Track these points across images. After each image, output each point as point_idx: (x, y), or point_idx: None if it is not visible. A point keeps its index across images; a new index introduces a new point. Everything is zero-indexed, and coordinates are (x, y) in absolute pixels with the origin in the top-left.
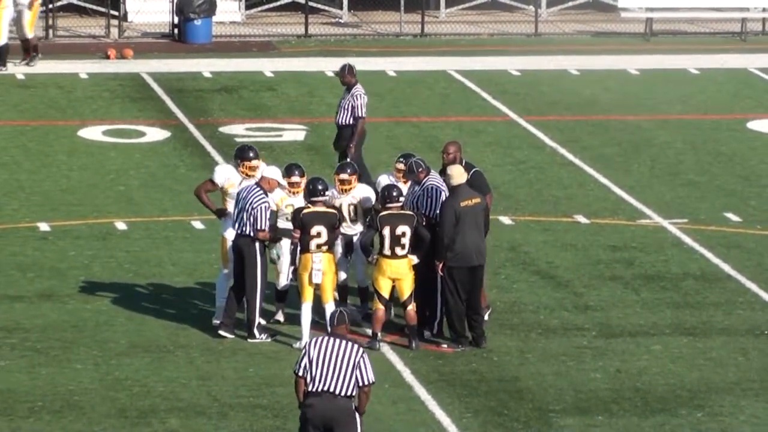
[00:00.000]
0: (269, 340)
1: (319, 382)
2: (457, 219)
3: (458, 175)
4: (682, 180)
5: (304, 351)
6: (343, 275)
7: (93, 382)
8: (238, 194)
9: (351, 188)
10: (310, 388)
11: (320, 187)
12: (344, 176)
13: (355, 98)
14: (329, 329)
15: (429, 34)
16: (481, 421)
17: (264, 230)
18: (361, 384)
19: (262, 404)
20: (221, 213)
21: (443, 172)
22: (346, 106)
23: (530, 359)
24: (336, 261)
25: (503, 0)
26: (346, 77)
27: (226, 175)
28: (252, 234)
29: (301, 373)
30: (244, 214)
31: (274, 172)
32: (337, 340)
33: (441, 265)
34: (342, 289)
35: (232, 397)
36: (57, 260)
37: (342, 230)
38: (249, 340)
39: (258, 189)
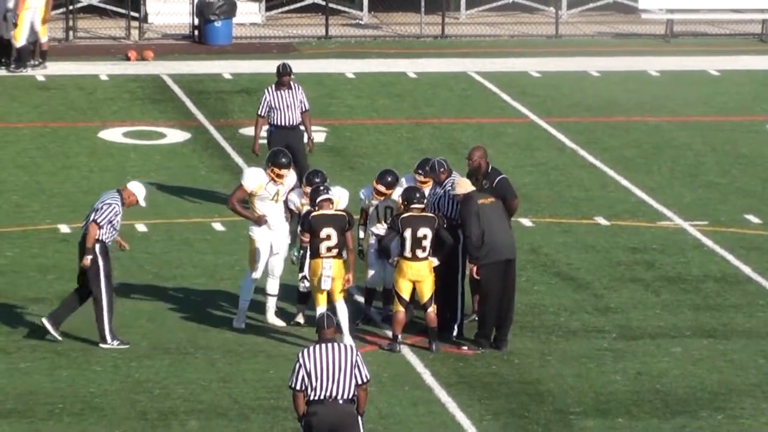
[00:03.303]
0: (123, 346)
1: (321, 390)
2: (479, 217)
3: (465, 184)
4: (702, 182)
5: (298, 364)
6: (371, 272)
7: (113, 384)
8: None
9: (387, 198)
10: (311, 398)
11: (322, 192)
12: (382, 188)
13: (302, 93)
14: (318, 334)
15: (449, 36)
16: (501, 424)
17: (99, 224)
18: (360, 382)
19: (283, 406)
20: (260, 220)
21: (470, 176)
22: (293, 105)
23: (551, 361)
24: (368, 262)
25: (523, 1)
26: (287, 77)
27: (254, 178)
28: (87, 230)
29: (299, 387)
30: (91, 215)
31: (138, 189)
32: (329, 346)
33: (476, 268)
34: (370, 291)
35: (252, 399)
36: (76, 263)
37: (376, 231)
38: (102, 345)
39: (116, 195)
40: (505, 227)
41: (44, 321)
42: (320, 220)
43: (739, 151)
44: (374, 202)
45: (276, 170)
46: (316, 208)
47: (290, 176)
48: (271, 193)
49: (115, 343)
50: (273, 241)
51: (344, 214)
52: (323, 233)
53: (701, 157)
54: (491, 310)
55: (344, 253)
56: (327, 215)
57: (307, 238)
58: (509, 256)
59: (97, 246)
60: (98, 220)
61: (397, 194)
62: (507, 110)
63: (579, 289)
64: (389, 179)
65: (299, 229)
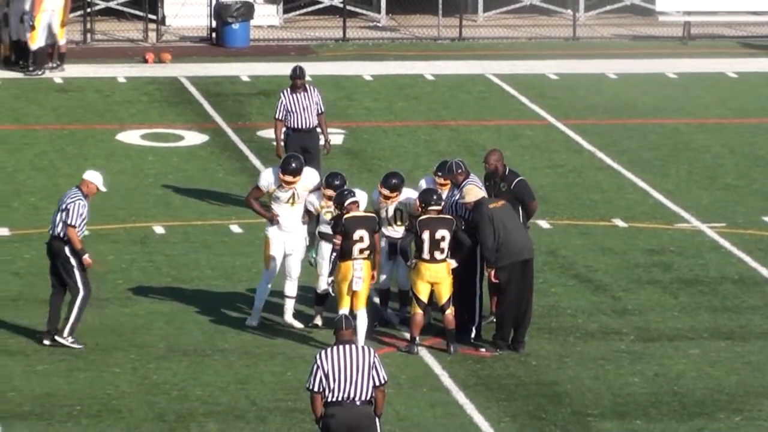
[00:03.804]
0: (78, 346)
1: (339, 391)
2: (493, 221)
3: (474, 192)
4: (720, 184)
5: (316, 365)
6: (384, 278)
7: (131, 386)
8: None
9: (394, 201)
10: (329, 399)
11: (348, 196)
12: (386, 192)
13: (318, 95)
14: (336, 336)
15: (467, 38)
16: (519, 425)
17: (74, 225)
18: (377, 383)
19: (300, 408)
20: (273, 219)
21: (487, 179)
22: (309, 107)
23: (568, 363)
24: (379, 264)
25: (541, 4)
26: (300, 80)
27: (268, 179)
28: (62, 233)
29: (317, 389)
30: (58, 215)
31: (94, 177)
32: (347, 347)
33: (493, 272)
34: (384, 292)
35: (270, 401)
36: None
37: (386, 233)
38: (56, 337)
39: (77, 191)
40: (520, 228)
41: (57, 339)
42: (353, 222)
43: (758, 153)
44: (383, 207)
45: (282, 176)
46: (345, 211)
47: (308, 178)
48: (285, 197)
49: (70, 340)
50: (286, 241)
51: (374, 215)
52: (356, 235)
53: (719, 159)
54: (510, 311)
55: (372, 255)
56: (359, 217)
57: (339, 240)
58: (527, 256)
59: (68, 247)
60: (72, 222)
61: (406, 195)
62: (525, 112)
63: (597, 291)
64: (393, 182)
65: (317, 231)
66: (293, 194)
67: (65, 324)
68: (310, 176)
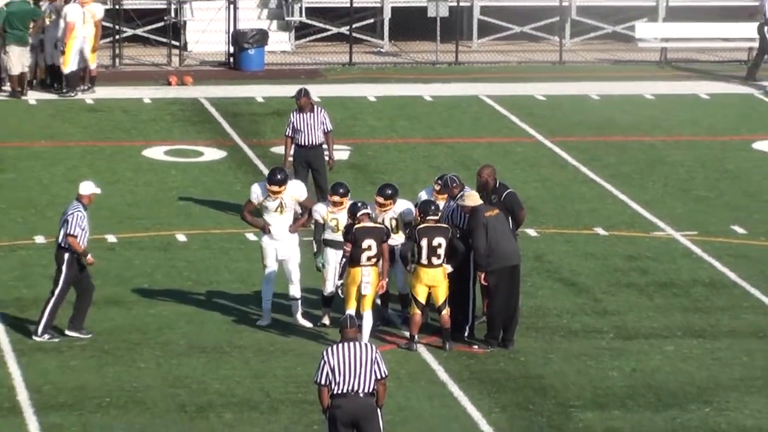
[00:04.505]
0: (54, 340)
1: (344, 384)
2: (486, 228)
3: (474, 198)
4: (692, 196)
5: (323, 361)
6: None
7: (155, 380)
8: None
9: (388, 209)
10: (335, 392)
11: (360, 207)
12: (381, 200)
13: (324, 115)
14: (341, 333)
15: (462, 63)
16: (508, 416)
17: (74, 235)
18: (379, 377)
19: (309, 400)
20: (264, 228)
21: (479, 190)
22: (315, 126)
23: (553, 359)
24: (386, 271)
25: (530, 31)
26: (303, 99)
27: (257, 192)
28: (64, 243)
29: (323, 382)
30: (63, 228)
31: (86, 188)
32: (352, 344)
33: (484, 275)
34: (385, 294)
35: (282, 393)
36: (123, 269)
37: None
38: (33, 337)
39: (76, 203)
40: (510, 236)
41: (67, 332)
42: (362, 232)
43: (726, 167)
44: (380, 217)
45: (269, 186)
46: (357, 221)
47: (293, 189)
48: (273, 206)
49: (46, 337)
50: (278, 248)
51: (383, 226)
52: (365, 244)
53: (692, 173)
54: (499, 312)
55: (380, 263)
56: (368, 227)
57: (349, 247)
58: (514, 262)
59: (67, 255)
60: (71, 232)
61: (401, 206)
62: (515, 131)
63: (579, 294)
64: (388, 192)
65: (323, 238)
66: (280, 203)
67: (39, 324)
68: (295, 187)
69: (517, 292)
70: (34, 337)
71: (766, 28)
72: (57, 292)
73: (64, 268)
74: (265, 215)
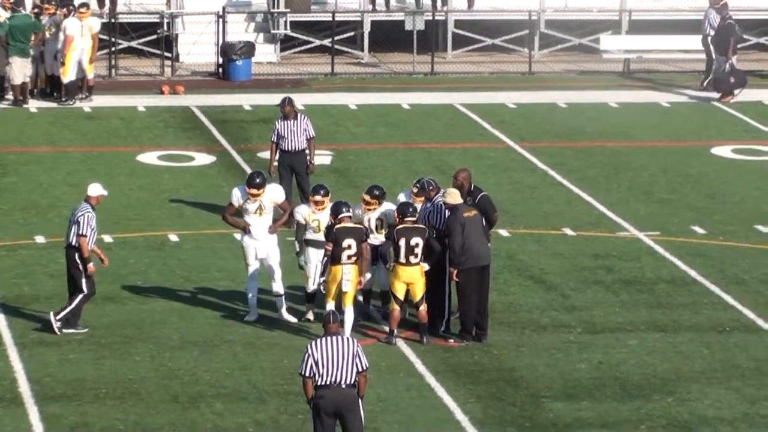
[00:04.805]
0: (58, 333)
1: (327, 376)
2: (463, 228)
3: (455, 196)
4: (655, 198)
5: (307, 354)
6: (368, 276)
7: (150, 372)
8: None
9: (374, 209)
10: (318, 383)
11: (343, 209)
12: (367, 198)
13: (306, 123)
14: (324, 328)
15: (438, 73)
16: (482, 406)
17: (84, 235)
18: (360, 369)
19: (294, 391)
20: (245, 229)
21: None
22: (297, 133)
23: (524, 352)
24: (365, 269)
25: (502, 44)
26: (288, 108)
27: (237, 195)
28: (75, 242)
29: (308, 374)
30: (72, 228)
31: (95, 189)
32: (334, 338)
33: (456, 272)
34: (367, 292)
35: (269, 384)
36: (118, 267)
37: (369, 240)
38: (51, 315)
39: (86, 204)
40: (482, 238)
41: (51, 317)
42: (343, 232)
43: (687, 172)
44: (366, 216)
45: (248, 189)
46: (338, 222)
47: (272, 192)
48: (252, 208)
49: (57, 324)
50: (257, 247)
51: (362, 227)
52: (345, 243)
53: (654, 177)
54: (470, 308)
55: (359, 261)
56: (348, 228)
57: (330, 247)
58: (485, 262)
59: (77, 254)
60: (82, 232)
61: (386, 208)
62: (487, 137)
63: (549, 290)
64: (375, 192)
65: (304, 238)
66: (260, 205)
67: (62, 309)
68: (274, 190)
69: (486, 290)
70: (51, 316)
71: (709, 39)
72: (84, 289)
73: (80, 266)
74: (246, 217)
